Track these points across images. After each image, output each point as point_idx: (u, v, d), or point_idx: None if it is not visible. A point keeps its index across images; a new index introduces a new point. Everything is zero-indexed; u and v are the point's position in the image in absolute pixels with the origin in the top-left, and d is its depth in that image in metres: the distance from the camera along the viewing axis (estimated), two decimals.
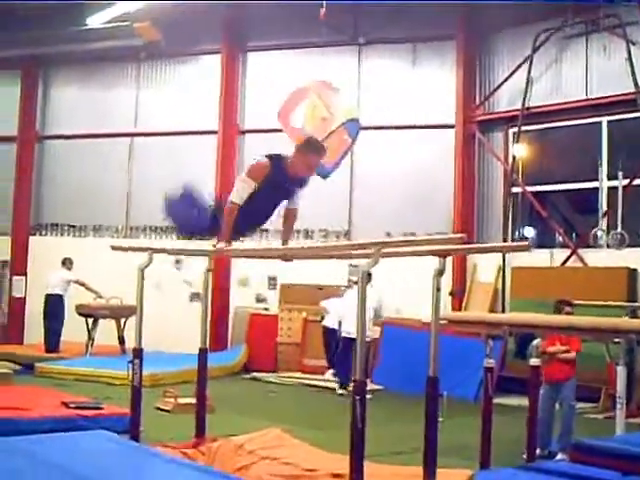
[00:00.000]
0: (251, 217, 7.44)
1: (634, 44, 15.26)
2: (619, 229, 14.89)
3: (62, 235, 21.11)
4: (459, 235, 5.68)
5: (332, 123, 15.65)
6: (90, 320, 17.45)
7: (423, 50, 18.30)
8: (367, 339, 14.59)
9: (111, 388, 13.30)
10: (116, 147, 20.85)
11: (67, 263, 17.87)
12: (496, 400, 10.63)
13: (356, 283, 13.21)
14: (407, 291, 15.87)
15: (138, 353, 7.86)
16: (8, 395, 10.43)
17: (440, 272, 5.31)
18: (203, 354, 7.83)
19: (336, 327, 15.55)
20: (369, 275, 5.45)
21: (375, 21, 18.36)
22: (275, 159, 7.31)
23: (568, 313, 9.18)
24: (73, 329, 17.60)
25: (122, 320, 17.50)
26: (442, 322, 7.01)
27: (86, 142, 21.03)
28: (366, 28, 18.53)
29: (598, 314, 9.87)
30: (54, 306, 17.48)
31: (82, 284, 17.59)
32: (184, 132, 20.11)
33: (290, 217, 7.62)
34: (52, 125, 21.71)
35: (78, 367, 15.52)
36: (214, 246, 7.42)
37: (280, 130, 16.51)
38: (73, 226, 21.00)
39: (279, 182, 7.29)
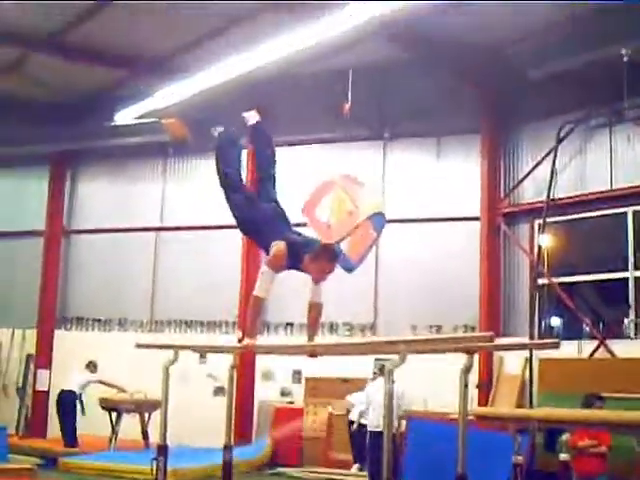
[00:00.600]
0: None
1: None
2: None
3: (87, 329, 21.17)
4: (487, 334, 5.65)
5: (357, 217, 15.69)
6: (114, 414, 17.37)
7: (447, 143, 18.40)
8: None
9: None
10: (142, 241, 20.99)
11: (91, 366, 17.85)
12: None
13: (375, 374, 13.19)
14: (434, 382, 15.68)
15: (162, 450, 7.79)
16: None
17: (468, 369, 5.25)
18: (228, 450, 7.74)
19: (363, 421, 15.41)
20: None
21: (399, 115, 18.52)
22: (294, 244, 7.45)
23: (599, 408, 9.06)
24: (97, 423, 17.54)
25: (146, 414, 17.40)
26: (470, 418, 6.93)
27: (112, 236, 21.21)
28: (391, 122, 18.69)
29: (628, 407, 9.75)
30: (66, 402, 17.44)
31: (102, 382, 17.58)
32: (210, 227, 20.20)
33: (314, 312, 7.58)
34: (79, 219, 21.93)
35: (101, 462, 15.40)
36: (239, 341, 7.40)
37: (305, 224, 16.58)
38: (98, 320, 21.05)
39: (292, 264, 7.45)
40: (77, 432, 17.42)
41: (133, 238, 21.13)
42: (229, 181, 8.30)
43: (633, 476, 13.00)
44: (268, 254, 7.50)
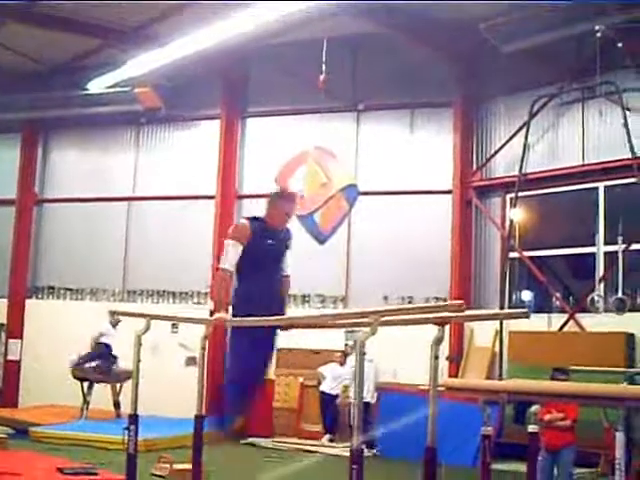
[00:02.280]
0: (257, 289, 7.52)
1: (630, 110, 15.37)
2: (619, 294, 14.88)
3: (59, 298, 21.10)
4: (457, 302, 5.67)
5: (330, 189, 15.73)
6: (85, 384, 17.35)
7: (421, 116, 18.43)
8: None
9: (106, 453, 13.19)
10: (114, 211, 20.94)
11: (110, 319, 17.56)
12: (494, 466, 10.55)
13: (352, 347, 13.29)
14: (403, 355, 15.78)
15: (134, 419, 7.81)
16: (2, 460, 10.35)
17: (439, 340, 5.28)
18: (199, 420, 7.76)
19: (333, 392, 15.61)
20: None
21: (373, 87, 18.53)
22: (252, 219, 7.56)
23: (555, 379, 9.17)
24: (68, 393, 17.52)
25: (117, 384, 17.39)
26: (440, 389, 6.98)
27: (84, 206, 21.13)
28: (364, 94, 18.70)
29: (596, 380, 9.85)
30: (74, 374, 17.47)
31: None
32: (182, 197, 20.21)
33: (283, 285, 7.65)
34: (51, 188, 21.83)
35: (73, 432, 15.38)
36: (211, 314, 7.43)
37: None
38: (70, 289, 20.98)
39: (263, 241, 7.46)
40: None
41: (105, 207, 21.07)
42: None
43: (601, 449, 13.18)
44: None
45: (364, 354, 5.39)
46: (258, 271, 7.50)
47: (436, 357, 5.31)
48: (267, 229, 7.50)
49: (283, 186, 16.32)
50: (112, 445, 13.30)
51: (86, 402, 17.23)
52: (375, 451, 14.98)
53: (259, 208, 19.24)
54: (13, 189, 21.59)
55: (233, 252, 7.36)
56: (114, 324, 17.43)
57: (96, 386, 17.39)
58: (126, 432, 7.84)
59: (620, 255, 15.04)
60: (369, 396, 15.29)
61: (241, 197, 19.74)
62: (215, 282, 7.47)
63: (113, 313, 17.37)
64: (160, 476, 11.62)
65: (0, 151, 22.41)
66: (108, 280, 20.68)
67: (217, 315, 7.40)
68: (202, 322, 8.26)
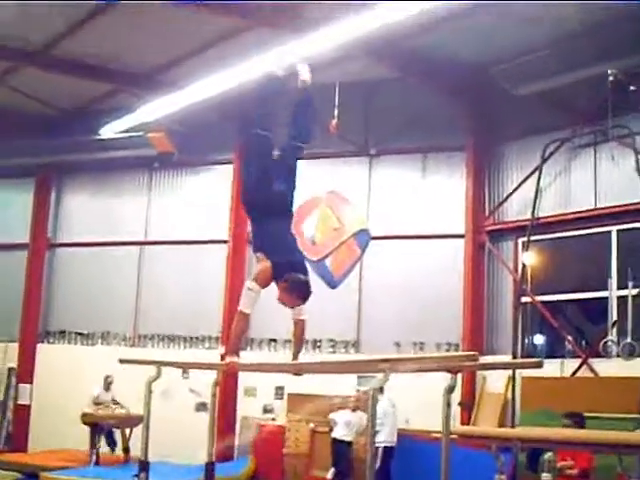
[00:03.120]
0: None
1: None
2: (629, 339, 14.78)
3: (70, 343, 21.08)
4: (471, 353, 5.65)
5: (343, 233, 15.74)
6: (104, 430, 17.32)
7: (433, 160, 18.43)
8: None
9: None
10: (126, 255, 20.96)
11: (103, 383, 17.75)
12: None
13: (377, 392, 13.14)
14: (416, 401, 15.66)
15: (144, 466, 7.75)
16: None
17: (451, 388, 5.24)
18: (210, 467, 7.71)
19: (346, 439, 15.57)
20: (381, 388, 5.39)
21: (385, 132, 18.56)
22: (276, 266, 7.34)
23: (566, 426, 9.08)
24: (78, 437, 17.45)
25: (127, 430, 17.33)
26: (452, 436, 6.92)
27: (97, 250, 21.17)
28: (377, 138, 18.73)
29: (610, 426, 9.75)
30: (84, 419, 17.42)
31: (112, 401, 17.59)
32: (194, 241, 20.22)
33: (298, 329, 7.55)
34: (64, 232, 21.88)
35: (82, 477, 15.28)
36: (222, 358, 7.33)
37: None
38: (81, 334, 20.96)
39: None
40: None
41: (117, 252, 21.08)
42: (257, 139, 7.88)
43: None
44: (254, 248, 7.63)
45: (378, 401, 5.35)
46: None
47: (448, 405, 5.27)
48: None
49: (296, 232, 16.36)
50: None
51: (96, 447, 17.16)
52: None
53: None
54: (26, 233, 21.64)
55: (254, 295, 7.25)
56: (106, 388, 17.48)
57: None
58: (136, 479, 7.79)
59: (630, 300, 14.95)
60: (390, 440, 15.22)
61: None
62: (232, 323, 7.33)
63: (107, 377, 17.50)
64: None
65: (14, 195, 22.46)
66: (119, 324, 20.66)
67: (228, 359, 7.27)
68: (212, 367, 8.20)
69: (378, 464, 14.69)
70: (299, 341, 7.65)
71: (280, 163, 7.80)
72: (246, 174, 7.70)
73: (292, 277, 7.14)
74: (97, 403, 17.56)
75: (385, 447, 15.03)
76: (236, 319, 7.24)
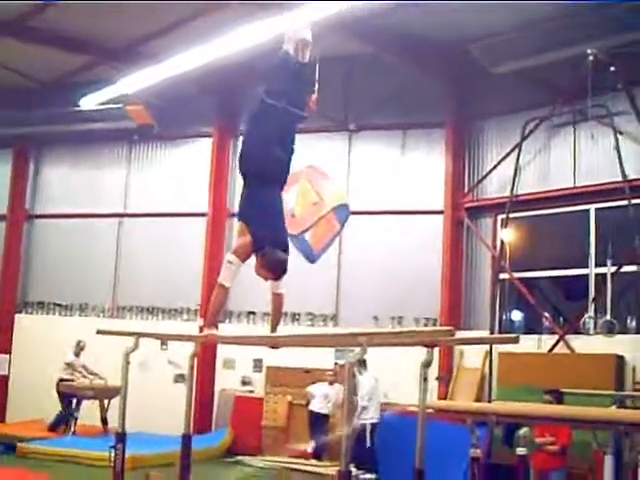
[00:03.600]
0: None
1: (621, 133, 15.42)
2: (608, 316, 14.88)
3: (48, 314, 21.04)
4: (447, 328, 5.70)
5: (322, 208, 15.75)
6: (73, 400, 17.31)
7: (412, 137, 18.47)
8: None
9: (93, 470, 13.12)
10: (105, 227, 20.93)
11: (74, 347, 17.82)
12: None
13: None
14: (394, 374, 15.73)
15: (121, 437, 7.77)
16: None
17: (427, 363, 5.29)
18: (187, 440, 7.74)
19: (322, 412, 15.65)
20: (364, 362, 5.42)
21: (365, 108, 18.57)
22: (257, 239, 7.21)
23: (546, 401, 9.15)
24: (56, 408, 17.47)
25: (105, 401, 17.36)
26: (429, 410, 6.98)
27: (75, 221, 21.13)
28: (356, 115, 18.74)
29: (586, 402, 9.84)
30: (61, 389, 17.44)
31: (83, 367, 17.62)
32: (173, 214, 20.21)
33: (276, 303, 7.53)
34: (42, 204, 21.82)
35: (60, 448, 15.35)
36: (201, 330, 7.29)
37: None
38: (59, 305, 20.93)
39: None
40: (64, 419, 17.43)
41: (96, 224, 21.05)
42: (263, 106, 7.44)
43: (590, 472, 13.17)
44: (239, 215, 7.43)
45: (354, 375, 5.39)
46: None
47: (425, 379, 5.32)
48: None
49: None
50: (99, 462, 13.19)
51: (74, 418, 17.18)
52: (374, 476, 14.96)
53: None
54: (4, 205, 21.56)
55: (234, 269, 7.15)
56: (77, 353, 17.53)
57: (84, 402, 17.36)
58: (113, 449, 7.80)
59: (609, 277, 15.05)
60: (376, 416, 15.28)
61: (233, 215, 19.72)
62: (212, 296, 7.27)
63: (79, 342, 17.55)
64: None
65: None
66: (97, 296, 20.66)
67: (206, 331, 7.23)
68: (190, 339, 8.21)
69: (369, 441, 14.87)
70: (277, 314, 7.62)
71: (282, 131, 7.56)
72: (247, 138, 7.56)
73: (269, 252, 7.09)
74: (69, 368, 17.61)
75: (372, 423, 15.12)
76: (215, 292, 7.20)
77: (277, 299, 7.48)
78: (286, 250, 7.25)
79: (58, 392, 17.40)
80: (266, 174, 7.30)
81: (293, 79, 7.59)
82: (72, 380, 17.54)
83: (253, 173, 7.35)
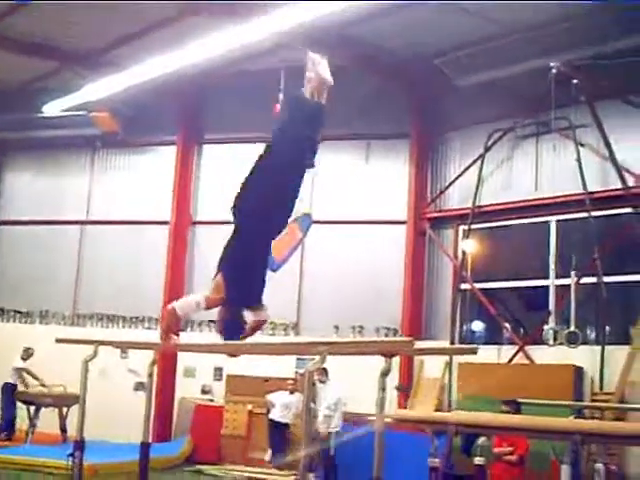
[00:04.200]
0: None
1: (583, 146, 15.57)
2: (572, 327, 15.01)
3: (8, 321, 20.90)
4: (407, 339, 5.72)
5: None
6: (32, 407, 17.21)
7: (376, 147, 18.55)
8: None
9: (51, 478, 13.03)
10: (67, 234, 20.83)
11: (24, 354, 17.72)
12: None
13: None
14: (354, 385, 15.72)
15: (79, 445, 7.73)
16: None
17: (386, 372, 5.29)
18: (145, 448, 7.71)
19: (283, 420, 15.68)
20: (325, 370, 5.39)
21: (330, 117, 18.50)
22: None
23: (504, 412, 9.21)
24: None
25: (65, 409, 17.25)
26: (387, 420, 7.00)
27: (38, 228, 21.02)
28: None
29: (545, 413, 9.91)
30: (3, 394, 17.29)
31: (28, 372, 17.48)
32: (136, 221, 20.13)
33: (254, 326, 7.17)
34: (5, 210, 21.70)
35: (18, 456, 15.18)
36: (162, 338, 7.09)
37: (232, 223, 16.55)
38: (20, 312, 20.78)
39: None
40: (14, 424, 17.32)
41: (58, 230, 20.94)
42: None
43: None
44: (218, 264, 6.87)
45: (313, 384, 5.40)
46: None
47: (383, 389, 5.33)
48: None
49: None
50: (57, 470, 13.11)
51: (32, 426, 17.07)
52: None
53: (212, 234, 19.31)
54: None
55: (194, 310, 6.78)
56: (25, 358, 17.46)
57: (43, 410, 17.26)
58: (71, 457, 7.76)
59: (573, 288, 15.16)
60: (339, 426, 15.35)
61: (195, 223, 19.73)
62: (164, 316, 6.98)
63: (27, 349, 17.50)
64: None
65: None
66: (58, 303, 20.53)
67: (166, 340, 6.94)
68: (150, 347, 8.19)
69: (333, 450, 14.97)
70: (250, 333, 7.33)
71: (289, 182, 6.86)
72: (252, 185, 6.85)
73: (229, 318, 6.92)
74: (16, 373, 17.53)
75: (336, 432, 15.22)
76: (167, 315, 6.77)
77: (259, 325, 7.08)
78: (256, 302, 6.98)
79: (20, 401, 17.31)
80: (261, 231, 6.78)
81: (308, 122, 7.00)
82: (17, 385, 17.48)
83: (247, 227, 6.78)
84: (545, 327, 15.56)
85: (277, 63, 16.26)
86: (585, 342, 15.35)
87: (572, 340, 15.01)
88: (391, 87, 17.71)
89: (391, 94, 17.83)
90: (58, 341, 8.83)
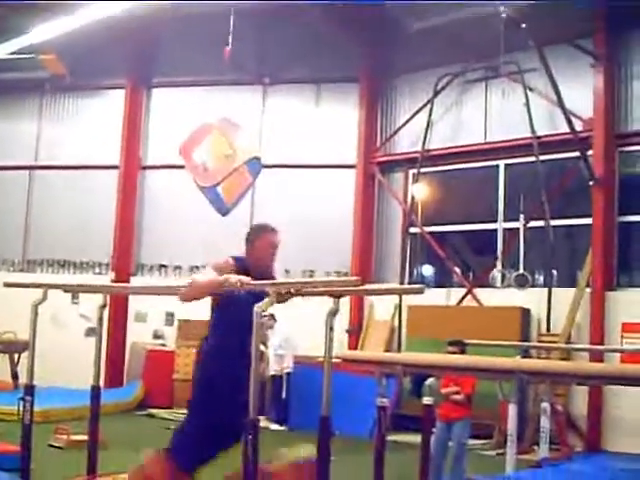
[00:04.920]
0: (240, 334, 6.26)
1: (532, 90, 15.69)
2: (521, 270, 15.21)
3: None
4: (354, 278, 5.80)
5: (235, 161, 15.70)
6: None
7: (326, 91, 18.56)
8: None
9: (2, 424, 13.01)
10: (15, 180, 20.59)
11: None
12: (391, 437, 10.74)
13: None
14: (304, 329, 15.82)
15: (29, 390, 7.75)
16: None
17: (333, 312, 5.37)
18: (96, 391, 7.75)
19: None
20: (272, 316, 5.40)
21: (280, 61, 18.54)
22: (237, 259, 6.88)
23: (450, 352, 9.34)
24: None
25: (15, 355, 17.20)
26: (336, 360, 7.10)
27: None
28: (271, 68, 18.72)
29: (492, 353, 10.07)
30: None
31: None
32: (85, 166, 19.98)
33: None
34: None
35: None
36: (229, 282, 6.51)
37: (182, 166, 16.50)
38: None
39: (247, 302, 6.26)
40: None
41: (6, 176, 20.70)
42: None
43: (496, 421, 13.52)
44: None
45: (265, 325, 5.45)
46: (236, 342, 6.43)
47: (331, 329, 5.41)
48: (250, 270, 6.71)
49: (187, 158, 16.29)
50: (9, 416, 13.11)
51: None
52: (284, 427, 15.18)
53: (162, 178, 19.20)
54: None
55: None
56: None
57: None
58: (21, 402, 7.78)
59: (521, 232, 15.36)
60: (291, 366, 15.60)
61: (145, 168, 19.65)
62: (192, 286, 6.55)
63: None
64: (58, 447, 11.54)
65: None
66: (7, 250, 20.38)
67: (233, 277, 6.36)
68: (99, 290, 8.18)
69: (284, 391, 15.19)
70: None
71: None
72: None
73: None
74: None
75: (287, 373, 15.42)
76: (192, 285, 6.55)
77: None
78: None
79: None
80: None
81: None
82: None
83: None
84: (493, 270, 15.79)
85: (227, 5, 16.10)
86: (533, 285, 15.59)
87: (521, 283, 15.23)
88: (341, 31, 17.61)
89: (341, 38, 17.74)
90: (7, 285, 8.81)
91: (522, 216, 15.42)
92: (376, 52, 17.89)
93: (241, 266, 6.76)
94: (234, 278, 6.25)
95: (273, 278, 6.83)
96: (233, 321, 6.57)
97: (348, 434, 12.56)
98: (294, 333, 15.86)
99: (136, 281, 18.61)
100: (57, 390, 16.16)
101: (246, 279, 6.22)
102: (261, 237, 7.14)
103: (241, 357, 6.06)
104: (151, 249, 18.51)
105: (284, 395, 15.49)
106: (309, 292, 6.07)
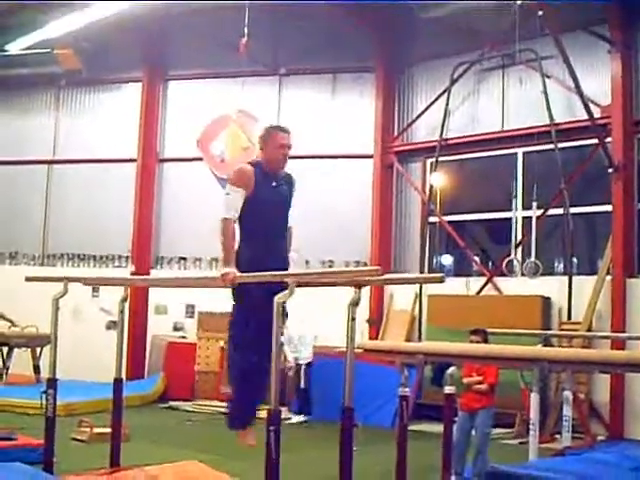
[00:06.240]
0: (262, 253, 6.90)
1: (549, 77, 15.60)
2: (533, 258, 15.15)
3: None
4: (375, 268, 5.81)
5: (252, 153, 15.69)
6: (5, 348, 17.22)
7: (343, 81, 18.51)
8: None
9: (26, 418, 13.06)
10: (34, 174, 20.64)
11: None
12: (413, 427, 10.73)
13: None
14: (325, 319, 15.84)
15: (52, 383, 7.79)
16: None
17: (355, 302, 5.37)
18: (118, 384, 7.78)
19: None
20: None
21: (295, 52, 18.52)
22: (253, 164, 7.09)
23: (473, 342, 9.30)
24: None
25: (37, 349, 17.28)
26: (358, 350, 7.09)
27: (3, 168, 20.80)
28: (286, 59, 18.70)
29: (513, 342, 10.04)
30: None
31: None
32: (103, 160, 20.01)
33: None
34: None
35: None
36: (222, 275, 6.80)
37: (200, 159, 16.53)
38: None
39: (268, 185, 7.06)
40: None
41: (25, 171, 20.75)
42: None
43: (517, 409, 13.49)
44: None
45: (285, 315, 5.45)
46: (262, 230, 7.02)
47: (353, 319, 5.41)
48: (268, 172, 7.07)
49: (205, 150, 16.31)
50: (32, 410, 13.16)
51: (5, 367, 17.11)
52: (306, 418, 15.17)
53: (179, 171, 19.22)
54: None
55: (234, 199, 6.86)
56: None
57: (16, 351, 17.29)
58: (44, 396, 7.81)
59: (534, 220, 15.30)
60: (309, 357, 15.59)
61: (162, 160, 19.66)
62: (220, 233, 6.96)
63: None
64: (80, 440, 11.58)
65: None
66: (27, 244, 20.46)
67: (225, 270, 6.85)
68: (119, 283, 8.20)
69: (304, 382, 15.20)
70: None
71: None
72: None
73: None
74: None
75: (307, 364, 15.42)
76: (221, 228, 6.94)
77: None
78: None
79: None
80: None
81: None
82: None
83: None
84: (510, 259, 15.74)
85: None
86: (553, 273, 15.54)
87: (534, 271, 15.18)
88: (357, 20, 17.58)
89: (357, 27, 17.73)
90: (28, 279, 8.84)
91: (534, 204, 15.34)
92: (392, 41, 17.84)
93: (259, 171, 7.03)
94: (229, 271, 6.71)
95: (291, 181, 7.63)
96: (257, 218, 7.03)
97: (370, 424, 12.57)
98: (311, 324, 15.85)
99: (156, 274, 18.65)
100: (79, 383, 16.21)
101: (235, 273, 6.66)
102: (272, 137, 7.28)
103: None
104: (170, 242, 18.52)
105: (302, 385, 15.48)
106: (330, 282, 6.07)
